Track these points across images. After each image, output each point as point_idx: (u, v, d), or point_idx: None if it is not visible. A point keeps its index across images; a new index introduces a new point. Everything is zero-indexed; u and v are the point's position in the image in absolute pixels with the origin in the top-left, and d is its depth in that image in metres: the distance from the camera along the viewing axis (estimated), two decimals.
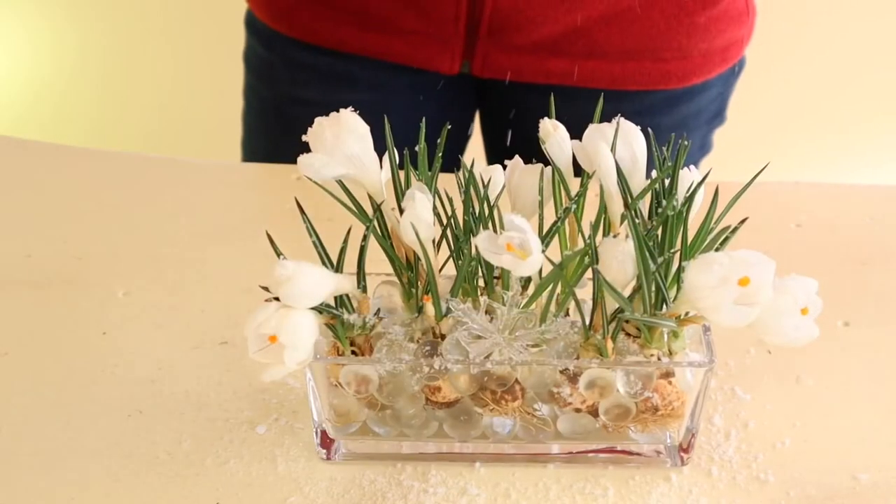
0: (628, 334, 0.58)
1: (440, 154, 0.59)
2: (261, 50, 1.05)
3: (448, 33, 0.94)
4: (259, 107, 1.08)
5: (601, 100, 0.61)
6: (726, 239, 0.56)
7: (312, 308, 0.54)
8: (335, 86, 1.01)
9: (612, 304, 0.55)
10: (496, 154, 1.10)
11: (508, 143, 1.03)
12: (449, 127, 0.59)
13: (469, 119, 1.10)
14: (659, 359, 0.57)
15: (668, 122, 1.00)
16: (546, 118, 0.59)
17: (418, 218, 0.54)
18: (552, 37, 0.93)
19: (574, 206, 0.57)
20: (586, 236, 0.56)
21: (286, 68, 1.03)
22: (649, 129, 0.59)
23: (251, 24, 1.06)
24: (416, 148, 0.59)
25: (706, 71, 0.98)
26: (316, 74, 1.01)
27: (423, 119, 0.59)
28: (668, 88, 0.98)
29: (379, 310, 0.60)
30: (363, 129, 0.55)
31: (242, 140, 1.13)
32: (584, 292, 0.58)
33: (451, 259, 0.59)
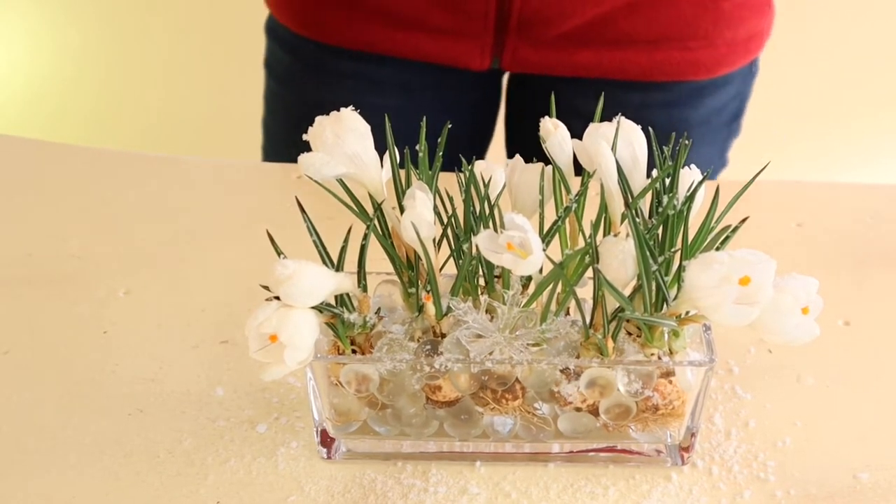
0: (629, 333, 0.58)
1: (440, 153, 0.59)
2: (285, 56, 1.05)
3: (477, 30, 0.94)
4: (284, 114, 1.08)
5: (601, 99, 0.60)
6: (727, 238, 0.56)
7: (313, 307, 0.54)
8: (363, 89, 1.01)
9: (612, 304, 0.55)
10: (520, 150, 1.11)
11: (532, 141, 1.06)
12: (450, 125, 0.59)
13: (496, 116, 1.11)
14: (659, 358, 0.57)
15: (696, 117, 1.01)
16: (546, 117, 0.59)
17: (419, 217, 0.54)
18: (580, 27, 0.94)
19: (575, 205, 0.57)
20: (587, 235, 0.56)
21: (313, 74, 1.03)
22: (649, 129, 0.59)
23: (273, 30, 1.06)
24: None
25: (730, 62, 0.99)
26: (344, 78, 1.01)
27: (424, 118, 0.59)
28: (695, 80, 0.98)
29: (379, 309, 0.60)
30: (364, 128, 0.55)
31: (263, 147, 1.13)
32: (585, 291, 0.58)
33: (451, 258, 0.59)
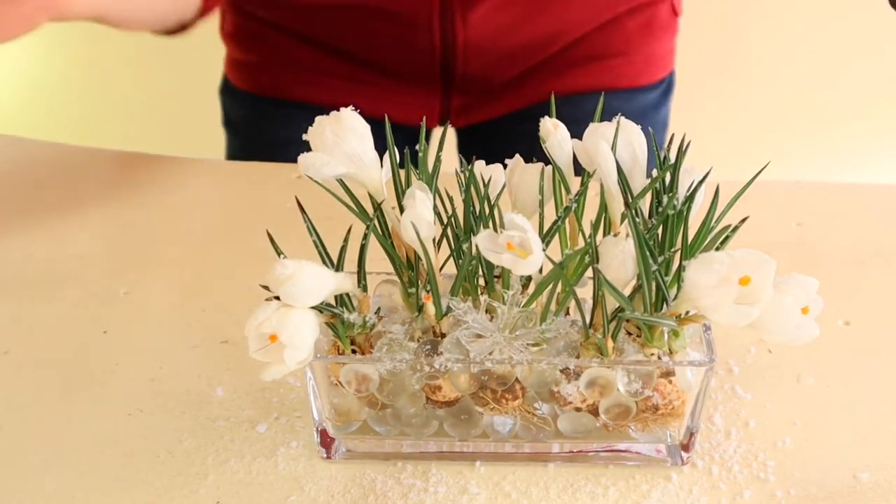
0: (629, 333, 0.58)
1: (440, 153, 0.59)
2: (242, 111, 1.13)
3: (425, 94, 1.04)
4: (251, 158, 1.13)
5: (601, 99, 0.61)
6: (727, 238, 0.56)
7: (313, 307, 0.54)
8: None
9: (612, 303, 0.55)
10: None
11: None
12: (449, 126, 0.60)
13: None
14: (659, 358, 0.57)
15: (628, 108, 1.08)
16: (546, 117, 0.59)
17: (419, 217, 0.54)
18: (511, 80, 1.05)
19: (574, 205, 0.57)
20: (587, 235, 0.56)
21: (274, 120, 1.10)
22: (649, 129, 0.59)
23: (230, 92, 1.14)
24: (417, 147, 0.59)
25: (650, 74, 1.10)
26: (306, 121, 1.07)
27: (424, 119, 0.60)
28: (618, 88, 1.08)
29: (379, 308, 0.60)
30: (363, 128, 0.55)
31: None
32: (585, 291, 0.58)
33: (451, 258, 0.59)
